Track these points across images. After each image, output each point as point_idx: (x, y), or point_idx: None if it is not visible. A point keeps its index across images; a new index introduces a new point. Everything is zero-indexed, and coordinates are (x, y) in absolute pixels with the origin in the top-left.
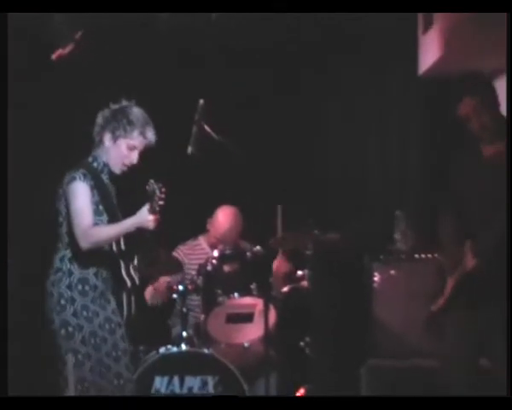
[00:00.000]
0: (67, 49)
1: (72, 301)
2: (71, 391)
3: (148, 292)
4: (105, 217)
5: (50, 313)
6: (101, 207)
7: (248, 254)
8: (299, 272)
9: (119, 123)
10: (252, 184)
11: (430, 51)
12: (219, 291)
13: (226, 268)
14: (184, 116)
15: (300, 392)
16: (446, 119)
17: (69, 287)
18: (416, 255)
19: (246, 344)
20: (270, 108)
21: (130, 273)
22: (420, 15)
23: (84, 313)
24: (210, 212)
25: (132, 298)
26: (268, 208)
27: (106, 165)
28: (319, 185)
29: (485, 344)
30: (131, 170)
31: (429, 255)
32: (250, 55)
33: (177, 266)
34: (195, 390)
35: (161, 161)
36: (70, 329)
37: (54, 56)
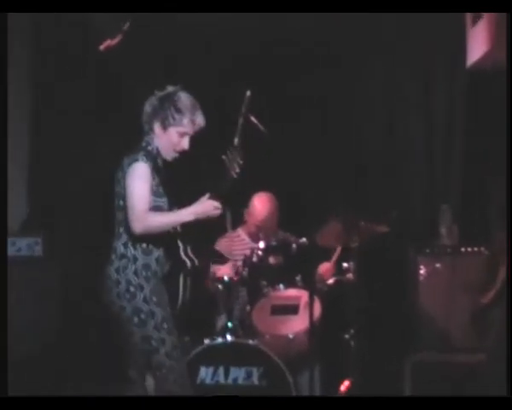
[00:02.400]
0: (116, 40)
1: (141, 287)
2: (149, 380)
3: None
4: (165, 199)
5: (119, 301)
6: (161, 189)
7: (294, 245)
8: (345, 265)
9: (168, 112)
10: (293, 174)
11: (479, 44)
12: (264, 283)
13: (271, 260)
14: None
15: (345, 384)
16: (494, 110)
17: (135, 273)
18: (462, 249)
19: (290, 336)
20: (311, 97)
21: (188, 254)
22: None
23: (154, 298)
24: (245, 203)
25: (188, 281)
26: (310, 198)
27: (158, 151)
28: (363, 177)
29: None
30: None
31: (475, 249)
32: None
33: (222, 259)
34: (240, 381)
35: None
36: (143, 316)
37: (102, 47)
